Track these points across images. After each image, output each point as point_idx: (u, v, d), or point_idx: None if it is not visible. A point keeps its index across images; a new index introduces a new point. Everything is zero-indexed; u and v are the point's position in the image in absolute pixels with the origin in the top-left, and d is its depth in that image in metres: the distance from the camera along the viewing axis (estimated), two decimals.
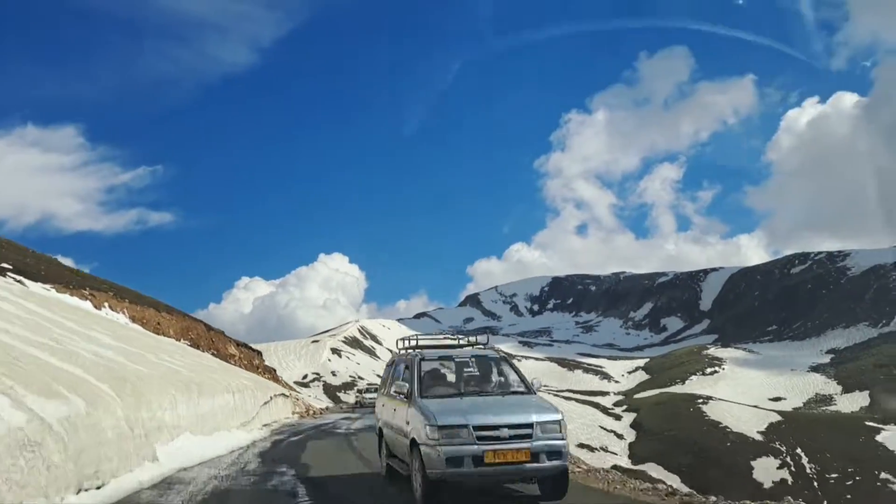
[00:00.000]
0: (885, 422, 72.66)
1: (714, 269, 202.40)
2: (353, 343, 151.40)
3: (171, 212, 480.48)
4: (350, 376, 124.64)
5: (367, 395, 55.18)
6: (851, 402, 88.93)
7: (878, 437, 68.49)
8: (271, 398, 29.50)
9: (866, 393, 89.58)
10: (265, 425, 25.14)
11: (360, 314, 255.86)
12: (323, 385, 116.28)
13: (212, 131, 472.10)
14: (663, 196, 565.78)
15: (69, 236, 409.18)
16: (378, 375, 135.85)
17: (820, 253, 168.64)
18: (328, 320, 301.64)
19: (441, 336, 11.36)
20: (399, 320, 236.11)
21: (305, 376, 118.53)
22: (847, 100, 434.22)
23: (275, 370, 69.20)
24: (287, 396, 39.86)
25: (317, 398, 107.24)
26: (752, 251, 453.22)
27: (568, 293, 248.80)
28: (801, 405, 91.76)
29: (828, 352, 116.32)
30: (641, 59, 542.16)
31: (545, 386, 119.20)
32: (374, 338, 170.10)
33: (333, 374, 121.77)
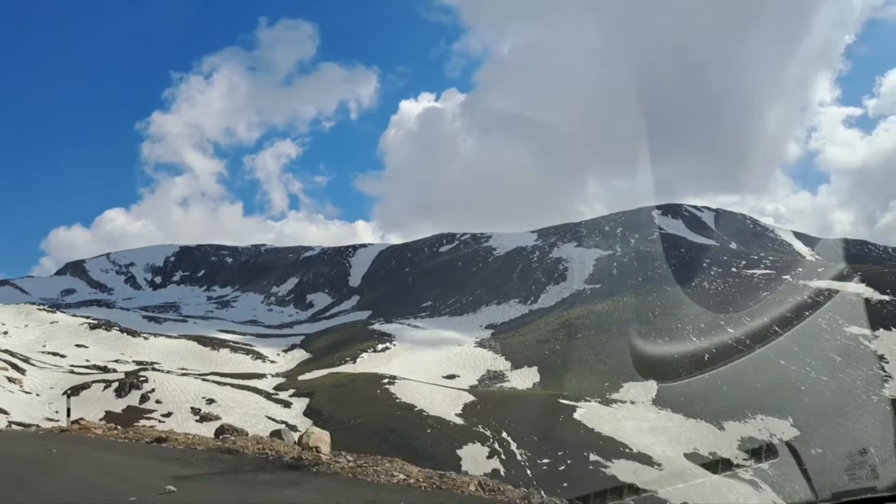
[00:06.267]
0: (576, 399, 69.31)
1: (363, 246, 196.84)
2: None
3: None
4: None
5: None
6: (523, 378, 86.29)
7: (576, 416, 64.18)
8: None
9: (535, 368, 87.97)
10: None
11: None
12: None
13: None
14: (278, 173, 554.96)
15: None
16: None
17: (465, 234, 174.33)
18: None
19: None
20: None
21: None
22: (455, 97, 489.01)
23: None
24: None
25: None
26: (368, 235, 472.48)
27: (199, 265, 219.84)
28: (476, 382, 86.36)
29: (487, 327, 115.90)
30: (262, 26, 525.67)
31: (183, 369, 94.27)
32: None
33: None
